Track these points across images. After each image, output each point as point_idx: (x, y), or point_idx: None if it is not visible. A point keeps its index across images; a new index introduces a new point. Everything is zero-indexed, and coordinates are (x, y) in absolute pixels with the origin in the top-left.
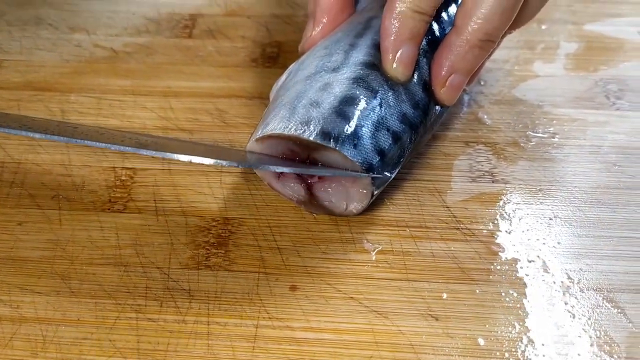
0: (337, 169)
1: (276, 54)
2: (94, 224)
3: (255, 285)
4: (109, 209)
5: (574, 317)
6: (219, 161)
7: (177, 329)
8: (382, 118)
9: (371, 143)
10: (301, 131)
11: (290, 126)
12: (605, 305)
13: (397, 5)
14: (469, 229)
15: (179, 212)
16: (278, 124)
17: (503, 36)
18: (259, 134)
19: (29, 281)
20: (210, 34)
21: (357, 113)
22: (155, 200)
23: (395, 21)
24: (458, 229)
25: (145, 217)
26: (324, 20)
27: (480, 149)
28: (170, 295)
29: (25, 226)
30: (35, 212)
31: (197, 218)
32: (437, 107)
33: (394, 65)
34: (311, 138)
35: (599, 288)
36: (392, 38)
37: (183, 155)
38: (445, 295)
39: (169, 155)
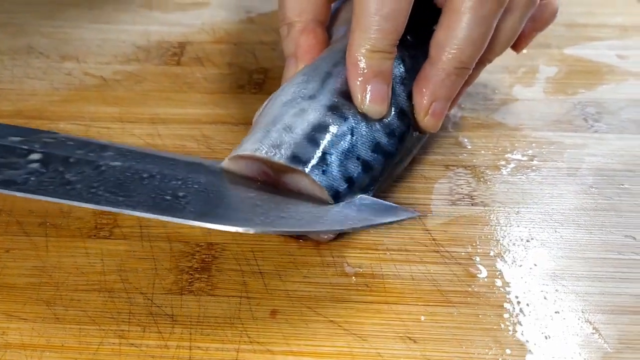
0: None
1: (262, 80)
2: (80, 250)
3: (237, 309)
4: (95, 236)
5: (549, 338)
6: (249, 229)
7: (159, 354)
8: (352, 146)
9: (339, 170)
10: (272, 154)
11: (261, 148)
12: (581, 326)
13: (354, 48)
14: (448, 252)
15: (163, 237)
16: (251, 145)
17: (483, 65)
18: (232, 154)
19: (15, 308)
20: (198, 61)
21: (328, 140)
22: (140, 226)
23: (357, 64)
24: (437, 251)
25: (130, 242)
26: (307, 59)
27: (460, 172)
28: (154, 321)
29: (12, 253)
30: (22, 239)
31: (181, 244)
32: (417, 134)
33: (365, 106)
34: (281, 161)
35: (575, 309)
36: (357, 81)
37: (202, 223)
38: (423, 318)
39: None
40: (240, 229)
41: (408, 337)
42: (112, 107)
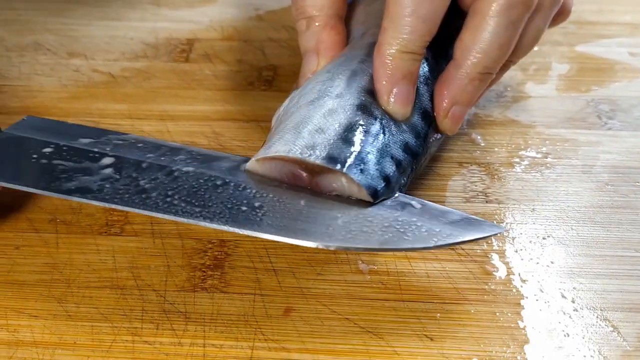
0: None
1: (272, 77)
2: (91, 247)
3: (251, 307)
4: (106, 232)
5: (568, 336)
6: (324, 244)
7: (173, 352)
8: (386, 146)
9: (377, 169)
10: (307, 155)
11: (295, 149)
12: (599, 324)
13: (385, 47)
14: (463, 249)
15: (175, 234)
16: (282, 146)
17: (507, 68)
18: (262, 154)
19: (26, 305)
20: (207, 58)
21: (362, 140)
22: (152, 223)
23: (386, 64)
24: (453, 249)
25: (142, 239)
26: (330, 56)
27: (474, 170)
28: (167, 318)
29: (22, 250)
30: (32, 235)
31: (193, 240)
32: (437, 135)
33: (390, 107)
34: (317, 161)
35: (593, 307)
36: (385, 82)
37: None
38: (439, 315)
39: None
40: (331, 246)
41: (425, 334)
42: (120, 104)
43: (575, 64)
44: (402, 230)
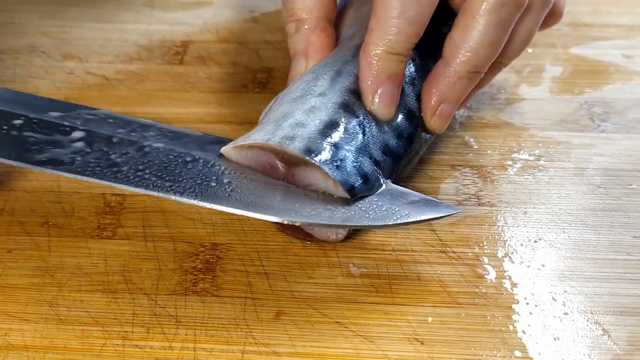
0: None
1: (266, 80)
2: (83, 250)
3: (242, 310)
4: (97, 236)
5: (558, 340)
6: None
7: (164, 356)
8: (365, 145)
9: (354, 166)
10: (285, 144)
11: (274, 139)
12: (590, 328)
13: (371, 48)
14: (455, 252)
15: (167, 238)
16: (262, 135)
17: (497, 69)
18: (240, 142)
19: (17, 308)
20: (202, 60)
21: (341, 137)
22: (144, 226)
23: (371, 64)
24: (444, 252)
25: (133, 243)
26: (318, 58)
27: (466, 172)
28: (157, 322)
29: (14, 253)
30: (24, 239)
31: (185, 244)
32: (424, 134)
33: (374, 107)
34: (295, 152)
35: (584, 310)
36: (370, 82)
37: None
38: (430, 319)
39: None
40: (296, 221)
41: (415, 338)
42: (114, 106)
43: (569, 66)
44: (364, 209)
